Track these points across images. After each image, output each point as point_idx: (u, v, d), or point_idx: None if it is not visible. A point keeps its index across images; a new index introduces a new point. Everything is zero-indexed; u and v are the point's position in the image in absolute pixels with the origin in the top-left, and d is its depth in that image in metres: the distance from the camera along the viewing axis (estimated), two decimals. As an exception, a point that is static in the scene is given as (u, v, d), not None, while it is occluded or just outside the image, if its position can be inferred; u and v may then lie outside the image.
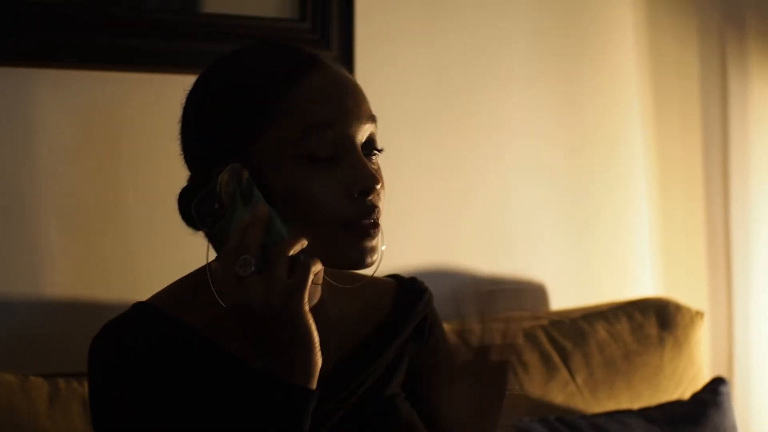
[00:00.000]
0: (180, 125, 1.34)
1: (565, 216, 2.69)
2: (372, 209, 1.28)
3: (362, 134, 1.30)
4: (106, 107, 2.06)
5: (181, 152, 1.34)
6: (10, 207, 1.98)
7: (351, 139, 1.28)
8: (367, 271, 1.33)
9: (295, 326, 1.21)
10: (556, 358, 2.34)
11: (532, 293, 2.62)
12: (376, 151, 1.33)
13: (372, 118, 1.32)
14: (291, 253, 1.21)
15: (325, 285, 1.40)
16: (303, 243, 1.23)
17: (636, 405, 2.37)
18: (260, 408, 1.22)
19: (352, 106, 1.29)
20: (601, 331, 2.42)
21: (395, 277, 1.52)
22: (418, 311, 1.48)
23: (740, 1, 2.79)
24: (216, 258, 1.31)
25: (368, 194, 1.28)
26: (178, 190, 1.30)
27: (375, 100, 2.36)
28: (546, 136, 2.67)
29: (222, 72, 1.33)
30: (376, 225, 1.29)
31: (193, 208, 1.26)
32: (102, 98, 2.06)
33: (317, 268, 1.23)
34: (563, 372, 2.33)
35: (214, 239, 1.29)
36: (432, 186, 2.52)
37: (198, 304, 1.31)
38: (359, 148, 1.29)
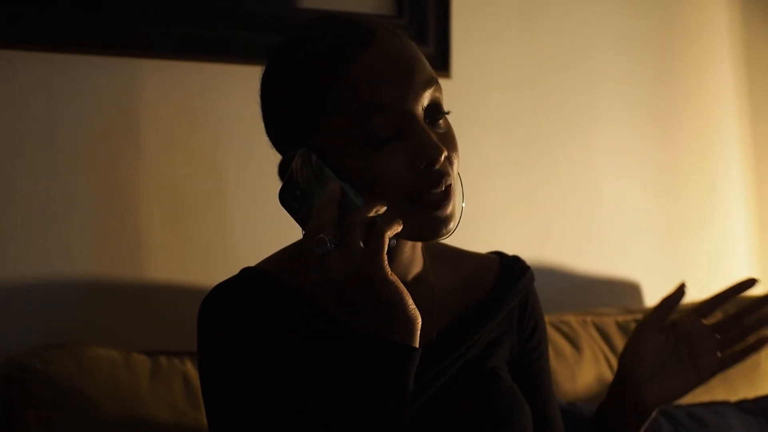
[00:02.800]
0: (261, 112, 1.38)
1: (658, 213, 2.68)
2: (439, 179, 1.28)
3: (422, 103, 1.29)
4: (207, 98, 2.11)
5: (267, 137, 1.38)
6: (115, 194, 2.03)
7: (411, 113, 1.27)
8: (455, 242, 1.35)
9: (380, 290, 1.22)
10: (651, 351, 2.32)
11: (626, 292, 2.61)
12: (442, 114, 1.31)
13: (430, 82, 1.30)
14: (364, 219, 1.22)
15: (428, 256, 1.43)
16: (378, 209, 1.24)
17: (732, 399, 2.33)
18: (364, 368, 1.23)
19: (407, 79, 1.28)
20: (696, 325, 2.39)
21: (498, 254, 1.53)
22: (521, 288, 1.49)
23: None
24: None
25: (433, 165, 1.27)
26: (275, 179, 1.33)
27: (469, 98, 2.42)
28: (639, 135, 2.67)
29: (279, 62, 1.34)
30: (447, 194, 1.29)
31: (279, 196, 1.29)
32: (202, 88, 2.11)
33: (394, 230, 1.24)
34: (658, 365, 2.31)
35: (302, 224, 1.30)
36: (524, 184, 2.53)
37: (304, 268, 1.31)
38: (421, 120, 1.28)
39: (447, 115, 1.33)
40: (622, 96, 2.64)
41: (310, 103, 1.29)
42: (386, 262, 1.22)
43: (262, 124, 1.38)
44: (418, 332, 1.24)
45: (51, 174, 1.98)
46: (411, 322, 1.24)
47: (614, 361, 2.29)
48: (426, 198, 1.28)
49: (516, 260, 1.53)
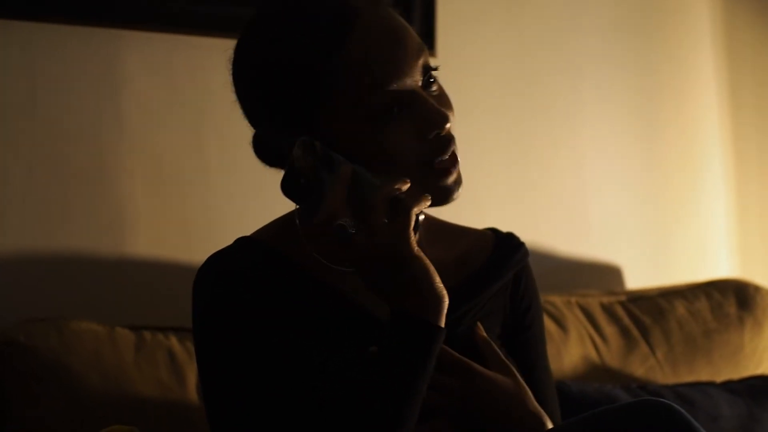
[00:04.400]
0: (239, 102, 1.32)
1: (641, 198, 2.68)
2: (448, 143, 1.28)
3: (417, 72, 1.27)
4: (191, 71, 2.09)
5: (244, 117, 1.33)
6: (98, 168, 2.00)
7: (411, 83, 1.26)
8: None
9: (409, 265, 1.20)
10: (635, 332, 2.33)
11: (607, 274, 2.61)
12: (432, 74, 1.29)
13: (421, 49, 1.28)
14: (387, 197, 1.21)
15: (423, 231, 1.40)
16: (402, 186, 1.22)
17: (717, 381, 2.34)
18: (390, 345, 1.21)
19: (402, 49, 1.26)
20: (680, 308, 2.41)
21: (493, 230, 1.52)
22: (514, 263, 1.47)
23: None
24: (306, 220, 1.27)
25: (441, 132, 1.27)
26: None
27: (454, 82, 2.38)
28: (621, 119, 2.67)
29: (257, 47, 1.29)
30: (454, 158, 1.29)
31: (281, 188, 1.24)
32: (187, 62, 2.08)
33: (422, 206, 1.23)
34: (643, 346, 2.32)
35: (310, 213, 1.24)
36: (509, 167, 2.52)
37: (297, 239, 1.31)
38: (419, 90, 1.27)
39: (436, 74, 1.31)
40: (606, 79, 2.64)
41: (304, 90, 1.25)
42: (413, 237, 1.21)
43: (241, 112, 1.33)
44: (445, 310, 1.23)
45: (31, 147, 1.95)
46: (438, 299, 1.22)
47: (599, 341, 2.29)
48: (436, 165, 1.28)
49: (510, 236, 1.52)
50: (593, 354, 2.25)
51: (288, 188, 1.24)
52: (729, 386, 2.26)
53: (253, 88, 1.30)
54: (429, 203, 1.24)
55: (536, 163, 2.55)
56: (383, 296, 1.23)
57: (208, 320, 1.29)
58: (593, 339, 2.27)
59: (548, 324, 2.21)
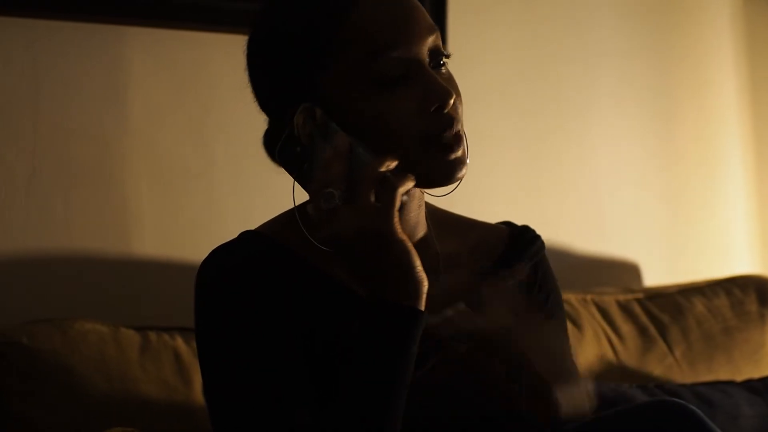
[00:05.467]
0: (247, 73, 1.32)
1: (658, 193, 2.65)
2: (451, 121, 1.26)
3: (426, 47, 1.26)
4: (197, 68, 2.06)
5: (255, 100, 1.33)
6: (103, 166, 1.98)
7: (417, 56, 1.25)
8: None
9: (390, 247, 1.20)
10: (652, 330, 2.29)
11: (625, 272, 2.57)
12: (443, 59, 1.29)
13: (432, 29, 1.27)
14: (376, 174, 1.20)
15: (434, 222, 1.39)
16: (389, 163, 1.22)
17: (737, 379, 2.29)
18: (367, 330, 1.21)
19: (412, 23, 1.25)
20: (698, 305, 2.37)
21: (507, 224, 1.49)
22: (530, 256, 1.44)
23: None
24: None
25: (444, 108, 1.25)
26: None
27: (466, 73, 2.35)
28: (638, 112, 2.63)
29: (276, 13, 1.30)
30: (459, 137, 1.27)
31: (277, 155, 1.26)
32: (192, 59, 2.06)
33: (406, 186, 1.22)
34: (661, 344, 2.28)
35: (303, 182, 1.27)
36: (522, 163, 2.48)
37: (302, 232, 1.28)
38: (427, 63, 1.26)
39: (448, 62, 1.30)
40: (621, 73, 2.60)
41: (309, 56, 1.25)
42: (397, 219, 1.20)
43: (252, 95, 1.33)
44: (425, 295, 1.22)
45: (35, 146, 1.93)
46: (418, 283, 1.21)
47: (616, 340, 2.25)
48: (438, 140, 1.25)
49: (526, 229, 1.49)
50: (609, 353, 2.21)
51: (284, 155, 1.25)
52: (749, 385, 2.21)
53: (260, 56, 1.31)
54: (413, 184, 1.23)
55: (550, 158, 2.51)
56: (361, 278, 1.22)
57: (211, 314, 1.27)
58: (609, 338, 2.24)
59: (563, 322, 2.17)
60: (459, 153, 1.26)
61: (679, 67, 2.69)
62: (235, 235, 1.36)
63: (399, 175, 1.21)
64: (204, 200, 2.07)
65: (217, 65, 2.06)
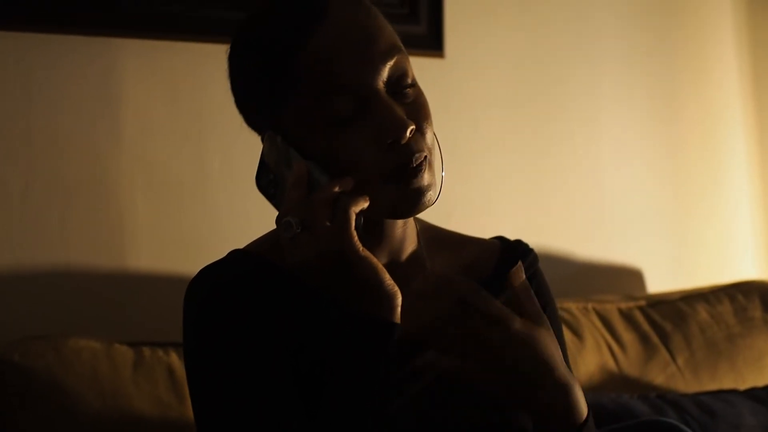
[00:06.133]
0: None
1: (661, 197, 2.62)
2: (409, 153, 1.24)
3: (383, 76, 1.24)
4: (191, 78, 2.05)
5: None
6: (96, 180, 1.97)
7: (371, 89, 1.23)
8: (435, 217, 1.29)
9: (353, 266, 1.20)
10: (654, 338, 2.27)
11: (628, 278, 2.55)
12: (408, 84, 1.27)
13: (391, 53, 1.25)
14: (327, 197, 1.20)
15: (425, 239, 1.40)
16: (343, 185, 1.22)
17: (740, 387, 2.27)
18: (343, 345, 1.21)
19: (366, 52, 1.24)
20: (702, 312, 2.34)
21: (500, 239, 1.49)
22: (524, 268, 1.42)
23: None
24: None
25: (399, 142, 1.23)
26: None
27: (464, 79, 2.35)
28: (640, 114, 2.61)
29: (240, 42, 1.32)
30: (419, 166, 1.24)
31: (256, 182, 1.28)
32: (186, 69, 2.04)
33: (360, 206, 1.21)
34: (663, 353, 2.26)
35: (278, 208, 1.27)
36: (523, 168, 2.46)
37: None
38: (382, 95, 1.24)
39: (418, 86, 1.29)
40: (624, 75, 2.58)
41: (272, 85, 1.26)
42: (356, 237, 1.20)
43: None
44: (398, 307, 1.22)
45: (28, 160, 1.92)
46: (389, 297, 1.21)
47: (617, 349, 2.22)
48: (397, 174, 1.24)
49: (518, 243, 1.49)
50: (610, 362, 2.19)
51: (260, 183, 1.28)
52: (753, 393, 2.18)
53: (232, 82, 1.33)
54: (367, 204, 1.22)
55: (551, 163, 2.49)
56: (336, 297, 1.22)
57: (199, 333, 1.28)
58: (610, 346, 2.21)
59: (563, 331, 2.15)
60: (420, 182, 1.25)
61: (682, 68, 2.67)
62: (231, 249, 1.36)
63: (351, 195, 1.21)
64: (200, 213, 2.05)
65: (212, 75, 2.03)
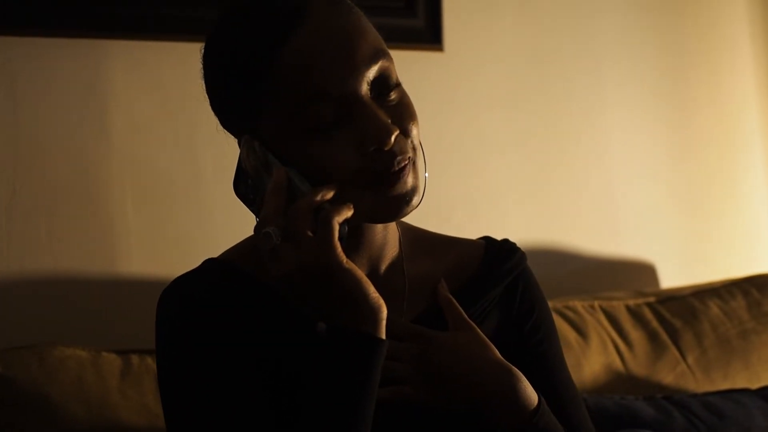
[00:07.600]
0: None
1: (672, 189, 2.58)
2: (391, 159, 1.19)
3: (367, 79, 1.19)
4: (181, 79, 2.02)
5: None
6: (85, 184, 1.95)
7: (353, 95, 1.18)
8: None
9: (337, 279, 1.16)
10: (664, 336, 2.21)
11: (640, 273, 2.50)
12: (392, 87, 1.22)
13: (375, 56, 1.20)
14: (309, 206, 1.16)
15: (408, 242, 1.37)
16: (325, 193, 1.18)
17: (755, 386, 2.21)
18: (327, 361, 1.17)
19: (346, 57, 1.18)
20: (713, 308, 2.29)
21: (486, 239, 1.45)
22: (507, 270, 1.39)
23: None
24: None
25: (383, 148, 1.19)
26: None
27: (464, 73, 2.30)
28: (649, 105, 2.56)
29: (214, 43, 1.27)
30: (401, 171, 1.21)
31: (233, 188, 1.26)
32: (176, 70, 2.01)
33: (344, 216, 1.18)
34: (672, 351, 2.20)
35: (257, 215, 1.25)
36: (528, 163, 2.42)
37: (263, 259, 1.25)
38: (365, 100, 1.19)
39: (401, 86, 1.24)
40: (631, 67, 2.52)
41: (247, 90, 1.21)
42: (339, 249, 1.16)
43: None
44: (384, 321, 1.18)
45: (15, 165, 1.90)
46: (374, 310, 1.18)
47: (624, 348, 2.17)
48: (379, 179, 1.20)
49: (504, 242, 1.44)
50: (617, 362, 2.13)
51: (239, 189, 1.25)
52: (765, 393, 2.12)
53: (211, 85, 1.29)
54: (351, 213, 1.18)
55: (557, 157, 2.44)
56: (318, 310, 1.19)
57: (169, 345, 1.26)
58: (617, 345, 2.16)
59: (567, 331, 2.10)
60: (403, 187, 1.21)
61: (692, 55, 2.61)
62: (225, 248, 1.35)
63: (335, 205, 1.17)
64: (192, 217, 2.03)
65: (201, 75, 2.01)
